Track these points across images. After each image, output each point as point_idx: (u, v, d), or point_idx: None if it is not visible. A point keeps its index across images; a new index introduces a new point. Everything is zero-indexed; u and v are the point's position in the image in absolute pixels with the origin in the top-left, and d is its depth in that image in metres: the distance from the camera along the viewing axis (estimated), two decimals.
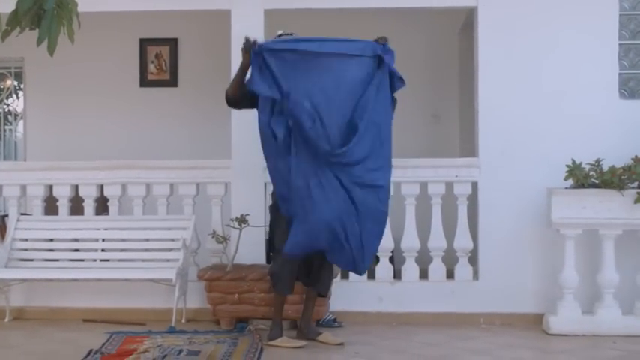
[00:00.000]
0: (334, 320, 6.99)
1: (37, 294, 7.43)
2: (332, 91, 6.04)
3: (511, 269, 7.15)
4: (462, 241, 7.30)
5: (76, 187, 7.64)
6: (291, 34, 6.34)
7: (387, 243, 7.33)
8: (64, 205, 7.61)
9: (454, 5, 7.73)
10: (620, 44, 7.27)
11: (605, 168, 6.66)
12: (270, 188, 6.51)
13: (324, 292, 6.52)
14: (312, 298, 6.47)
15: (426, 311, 7.16)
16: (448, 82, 9.59)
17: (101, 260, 7.34)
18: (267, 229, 6.68)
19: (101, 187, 7.60)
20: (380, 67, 6.23)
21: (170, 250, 7.22)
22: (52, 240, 7.49)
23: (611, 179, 6.58)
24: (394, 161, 7.31)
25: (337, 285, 6.99)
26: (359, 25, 9.49)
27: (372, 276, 7.36)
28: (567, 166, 6.70)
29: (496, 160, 7.19)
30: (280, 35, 6.34)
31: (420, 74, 9.65)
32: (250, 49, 6.04)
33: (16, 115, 10.68)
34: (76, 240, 7.49)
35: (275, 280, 6.34)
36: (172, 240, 7.23)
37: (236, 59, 7.28)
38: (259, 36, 7.28)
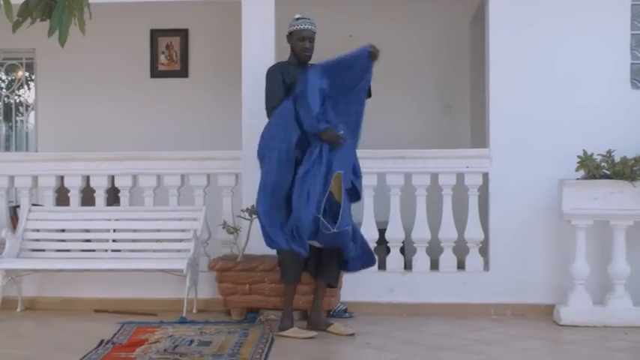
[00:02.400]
0: (345, 311, 7.00)
1: (49, 284, 7.45)
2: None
3: (522, 260, 7.14)
4: (473, 232, 7.29)
5: (87, 178, 7.65)
6: (308, 18, 6.42)
7: (397, 234, 7.35)
8: (75, 196, 7.63)
9: None
10: (632, 34, 7.24)
11: (617, 159, 6.63)
12: None
13: (333, 283, 6.53)
14: (321, 288, 6.47)
15: (436, 302, 7.16)
16: (460, 72, 9.58)
17: (112, 251, 7.36)
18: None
19: (112, 178, 7.62)
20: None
21: (181, 240, 7.24)
22: (63, 230, 7.51)
23: (622, 170, 6.56)
24: (404, 152, 7.37)
25: (348, 276, 6.97)
26: (371, 15, 9.52)
27: (382, 267, 7.36)
28: (578, 156, 6.67)
29: (507, 151, 7.17)
30: (298, 19, 6.38)
31: (431, 65, 9.67)
32: None
33: (27, 106, 10.71)
34: (88, 231, 7.51)
35: (282, 269, 6.37)
36: (183, 231, 7.25)
37: (247, 50, 7.32)
38: (270, 26, 7.31)
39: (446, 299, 7.17)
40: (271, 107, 6.36)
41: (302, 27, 6.38)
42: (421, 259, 7.33)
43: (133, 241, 7.39)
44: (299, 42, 6.41)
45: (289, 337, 6.22)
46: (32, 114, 10.58)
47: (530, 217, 7.12)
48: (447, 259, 7.31)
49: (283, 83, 6.36)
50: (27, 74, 10.59)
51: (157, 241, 7.38)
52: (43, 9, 3.90)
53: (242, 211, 6.92)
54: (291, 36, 6.45)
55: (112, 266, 7.13)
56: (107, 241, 7.41)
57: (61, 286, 7.44)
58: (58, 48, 4.05)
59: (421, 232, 7.34)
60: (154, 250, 7.31)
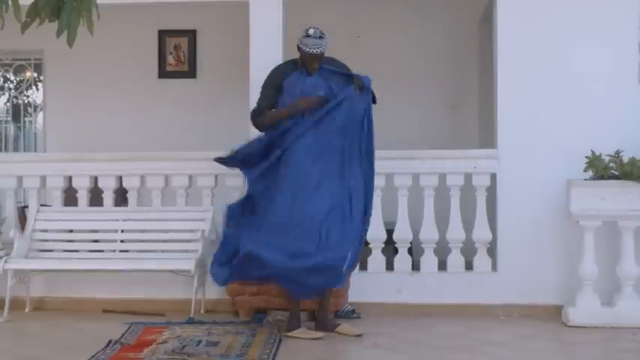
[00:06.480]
0: (353, 311, 6.99)
1: (57, 284, 7.47)
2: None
3: (530, 261, 7.13)
4: (481, 232, 7.28)
5: (95, 179, 7.66)
6: (319, 37, 6.28)
7: (405, 234, 7.35)
8: (83, 197, 7.64)
9: None
10: None
11: (625, 159, 6.62)
12: None
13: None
14: (326, 289, 6.45)
15: (444, 303, 7.15)
16: (468, 72, 9.56)
17: (120, 251, 7.35)
18: None
19: (120, 179, 7.63)
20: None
21: (189, 241, 7.23)
22: (71, 231, 7.52)
23: (631, 170, 6.54)
24: (412, 152, 7.37)
25: (355, 276, 6.97)
26: (379, 15, 9.52)
27: (390, 267, 7.36)
28: (587, 157, 6.66)
29: (515, 151, 7.15)
30: (308, 36, 6.26)
31: (439, 64, 9.67)
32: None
33: (35, 107, 10.73)
34: (96, 231, 7.52)
35: None
36: (191, 231, 7.24)
37: (255, 51, 7.32)
38: (277, 26, 7.31)
39: (454, 300, 7.16)
40: (255, 112, 6.59)
41: (313, 51, 6.28)
42: (429, 260, 7.33)
43: (141, 241, 7.38)
44: (308, 61, 6.37)
45: (297, 337, 6.22)
46: (40, 114, 10.60)
47: (538, 218, 7.11)
48: (455, 259, 7.30)
49: (277, 89, 6.43)
50: (35, 75, 10.61)
51: (165, 241, 7.38)
52: (52, 10, 3.92)
53: None
54: (300, 50, 6.39)
55: (120, 267, 7.14)
56: (115, 241, 7.41)
57: (69, 286, 7.45)
58: (67, 49, 4.07)
59: (429, 233, 7.33)
60: (162, 251, 7.31)
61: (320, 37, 6.29)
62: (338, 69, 6.45)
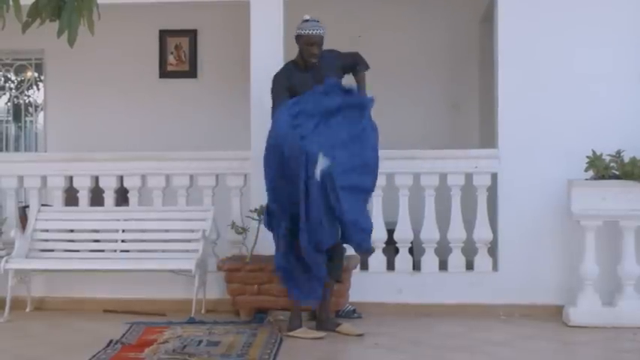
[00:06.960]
0: (354, 311, 6.99)
1: (58, 284, 7.47)
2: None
3: (531, 261, 7.12)
4: (482, 232, 7.27)
5: (96, 178, 7.67)
6: (317, 21, 6.36)
7: (406, 234, 7.34)
8: (84, 196, 7.64)
9: None
10: None
11: (626, 159, 6.61)
12: None
13: (339, 278, 6.51)
14: (328, 288, 6.45)
15: (445, 302, 7.15)
16: (469, 71, 9.55)
17: (121, 251, 7.36)
18: None
19: (121, 178, 7.63)
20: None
21: (190, 241, 7.23)
22: (72, 231, 7.52)
23: (632, 170, 6.54)
24: (413, 152, 7.37)
25: (356, 276, 6.98)
26: (380, 14, 9.52)
27: (391, 267, 7.36)
28: (588, 157, 6.65)
29: (516, 151, 7.15)
30: (307, 21, 6.35)
31: (440, 64, 9.67)
32: None
33: (36, 107, 10.73)
34: (96, 231, 7.52)
35: None
36: (192, 231, 7.25)
37: (256, 50, 7.32)
38: (279, 26, 7.32)
39: (454, 300, 7.16)
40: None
41: (311, 32, 6.33)
42: (430, 260, 7.32)
43: (142, 241, 7.39)
44: (307, 46, 6.39)
45: (298, 337, 6.22)
46: (41, 114, 10.61)
47: (539, 218, 7.10)
48: (456, 259, 7.30)
49: (288, 90, 6.35)
50: (36, 75, 10.61)
51: (166, 241, 7.38)
52: (53, 9, 3.92)
53: (251, 211, 6.91)
54: (299, 38, 6.43)
55: (121, 266, 7.15)
56: (116, 241, 7.41)
57: (69, 286, 7.46)
58: (67, 49, 4.07)
59: (430, 233, 7.33)
60: (163, 251, 7.31)
61: (317, 21, 6.38)
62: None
